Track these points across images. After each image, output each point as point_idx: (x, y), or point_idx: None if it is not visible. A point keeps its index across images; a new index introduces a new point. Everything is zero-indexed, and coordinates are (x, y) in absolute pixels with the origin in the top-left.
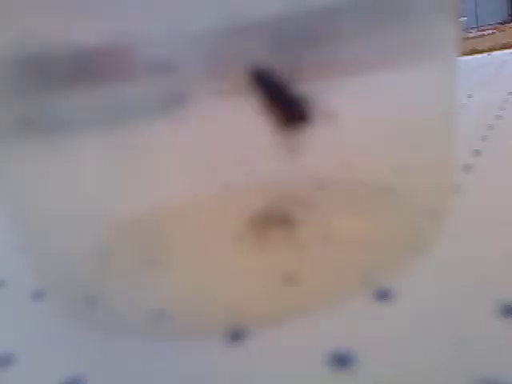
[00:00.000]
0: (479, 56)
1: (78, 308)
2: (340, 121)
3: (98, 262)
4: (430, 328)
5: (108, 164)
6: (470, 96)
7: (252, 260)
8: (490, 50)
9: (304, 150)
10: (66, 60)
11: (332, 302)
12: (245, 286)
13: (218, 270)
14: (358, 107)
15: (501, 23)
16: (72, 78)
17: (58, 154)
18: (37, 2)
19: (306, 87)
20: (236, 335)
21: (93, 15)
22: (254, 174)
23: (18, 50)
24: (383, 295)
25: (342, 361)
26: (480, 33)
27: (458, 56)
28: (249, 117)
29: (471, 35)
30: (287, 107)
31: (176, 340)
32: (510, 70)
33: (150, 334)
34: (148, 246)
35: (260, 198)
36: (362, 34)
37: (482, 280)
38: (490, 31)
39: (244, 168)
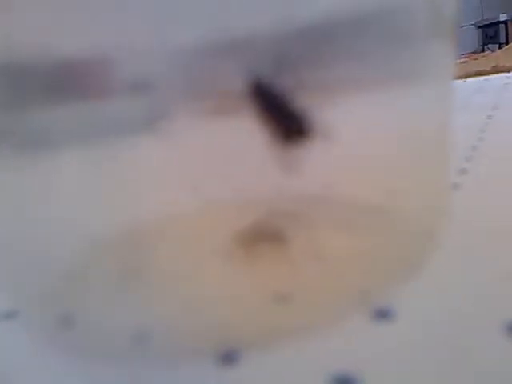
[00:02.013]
0: (455, 82)
1: (52, 329)
2: (334, 139)
3: (76, 280)
4: (432, 347)
5: (86, 179)
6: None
7: (242, 277)
8: (465, 76)
9: (298, 166)
10: (43, 73)
11: (328, 321)
12: (235, 305)
13: (206, 288)
14: (352, 127)
15: (473, 53)
16: (48, 92)
17: (32, 169)
18: (16, 11)
19: (303, 103)
20: (227, 358)
21: (72, 27)
22: (242, 190)
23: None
24: (381, 314)
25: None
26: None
27: (453, 80)
28: (236, 134)
29: None
30: (285, 121)
31: (162, 363)
32: (485, 95)
33: (133, 358)
34: (130, 263)
35: (249, 213)
36: (358, 55)
37: (482, 297)
38: (463, 60)
39: (232, 184)
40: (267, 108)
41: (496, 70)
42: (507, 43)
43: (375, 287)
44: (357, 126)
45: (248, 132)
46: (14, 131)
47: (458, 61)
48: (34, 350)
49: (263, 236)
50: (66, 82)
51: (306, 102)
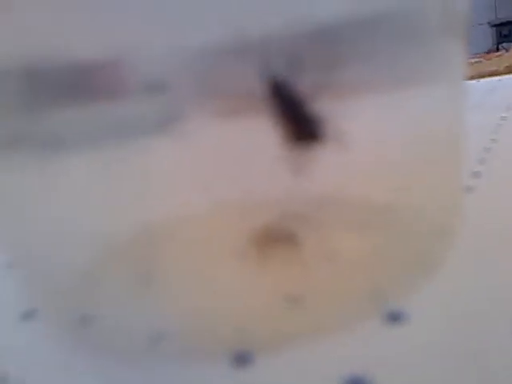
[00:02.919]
0: (467, 83)
1: (70, 329)
2: (347, 141)
3: (91, 281)
4: (446, 350)
5: (101, 180)
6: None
7: (254, 279)
8: (478, 77)
9: (310, 167)
10: (57, 75)
11: (340, 324)
12: (248, 306)
13: (219, 289)
14: (365, 128)
15: (487, 52)
16: (62, 95)
17: (49, 170)
18: (29, 12)
19: (316, 105)
20: (240, 359)
21: (86, 28)
22: (255, 192)
23: (9, 61)
24: (394, 317)
25: None
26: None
27: (465, 80)
28: (249, 135)
29: None
30: (298, 123)
31: (176, 363)
32: (498, 95)
33: (148, 357)
34: (144, 264)
35: (261, 215)
36: (370, 56)
37: (495, 300)
38: (476, 60)
39: (244, 185)
40: (282, 108)
41: (510, 71)
42: None
43: (387, 289)
44: (369, 128)
45: (261, 133)
46: (29, 133)
47: (472, 60)
48: (52, 348)
49: (275, 238)
50: (80, 84)
51: (320, 104)
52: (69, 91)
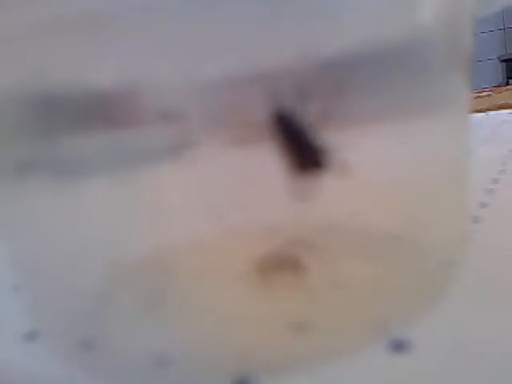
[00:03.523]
0: (478, 115)
1: (74, 351)
2: (352, 170)
3: (98, 304)
4: (450, 380)
5: (112, 206)
6: (471, 152)
7: (259, 305)
8: (488, 110)
9: (315, 195)
10: (75, 102)
11: (343, 351)
12: (252, 332)
13: (224, 315)
14: (370, 158)
15: (496, 86)
16: (79, 122)
17: (62, 194)
18: (48, 38)
19: (322, 135)
20: (243, 383)
21: (104, 57)
22: (261, 219)
23: (26, 88)
24: (398, 345)
25: None
26: (477, 94)
27: (470, 112)
28: (258, 163)
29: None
30: (303, 151)
31: None
32: (508, 128)
33: (152, 382)
34: (152, 288)
35: (267, 241)
36: (376, 87)
37: (501, 330)
38: (486, 93)
39: (251, 212)
40: (287, 137)
41: None
42: None
43: (392, 318)
44: (375, 158)
45: (268, 161)
46: (45, 159)
47: (482, 94)
48: (54, 370)
49: (280, 264)
50: (96, 111)
51: (325, 134)
52: (85, 118)
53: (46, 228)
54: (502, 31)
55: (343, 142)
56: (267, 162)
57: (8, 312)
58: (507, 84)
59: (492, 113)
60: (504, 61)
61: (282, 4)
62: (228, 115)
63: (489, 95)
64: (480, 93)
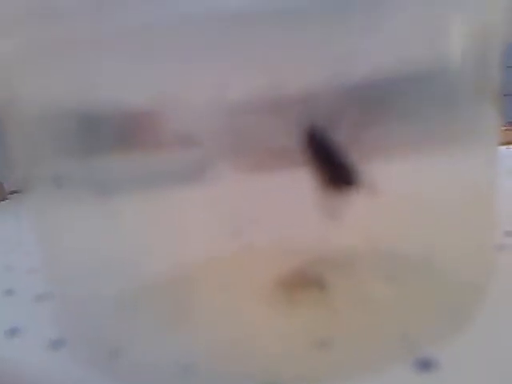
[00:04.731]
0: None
1: (100, 359)
2: (380, 192)
3: (123, 315)
4: None
5: (139, 222)
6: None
7: (283, 321)
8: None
9: (341, 214)
10: (110, 121)
11: (368, 368)
12: (276, 347)
13: (248, 329)
14: (398, 183)
15: None
16: (113, 142)
17: (93, 209)
18: (95, 54)
19: (352, 156)
20: None
21: (137, 78)
22: (287, 238)
23: (71, 103)
24: (423, 364)
25: None
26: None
27: (498, 144)
28: (281, 186)
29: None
30: (334, 169)
31: None
32: None
33: None
34: (175, 301)
35: (292, 260)
36: (405, 114)
37: None
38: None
39: (276, 231)
40: (319, 155)
41: None
42: None
43: (417, 337)
44: (403, 183)
45: (293, 184)
46: (82, 175)
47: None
48: (79, 378)
49: (305, 281)
50: (128, 132)
51: (355, 155)
52: (118, 139)
53: (78, 239)
54: None
55: (371, 166)
56: (290, 185)
57: (35, 320)
58: None
59: None
60: None
61: (309, 28)
62: (250, 142)
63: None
64: (506, 127)
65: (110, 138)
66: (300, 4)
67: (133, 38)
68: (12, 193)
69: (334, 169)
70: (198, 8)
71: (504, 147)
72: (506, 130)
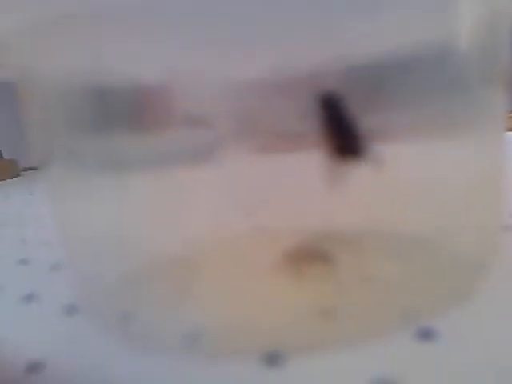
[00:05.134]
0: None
1: (111, 324)
2: (386, 169)
3: (135, 285)
4: (474, 370)
5: (150, 200)
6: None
7: (289, 292)
8: None
9: (347, 186)
10: (122, 98)
11: (371, 336)
12: (281, 315)
13: (255, 299)
14: (406, 165)
15: None
16: (125, 119)
17: (105, 184)
18: (105, 27)
19: (362, 129)
20: (272, 360)
21: (148, 54)
22: (295, 217)
23: (83, 76)
24: (424, 334)
25: None
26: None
27: (504, 129)
28: (289, 167)
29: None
30: (345, 137)
31: (211, 362)
32: None
33: (186, 354)
34: (184, 275)
35: (299, 236)
36: (411, 100)
37: None
38: None
39: (284, 211)
40: (331, 122)
41: None
42: None
43: (419, 309)
44: (410, 166)
45: (300, 166)
46: (95, 150)
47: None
48: (91, 340)
49: (312, 256)
50: (139, 110)
51: (365, 131)
52: (129, 117)
53: (91, 214)
54: None
55: (379, 148)
56: (297, 166)
57: (50, 287)
58: None
59: None
60: None
61: (317, 7)
62: (260, 123)
63: None
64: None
65: (123, 116)
66: None
67: (143, 14)
68: (26, 169)
69: (343, 138)
70: None
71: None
72: None
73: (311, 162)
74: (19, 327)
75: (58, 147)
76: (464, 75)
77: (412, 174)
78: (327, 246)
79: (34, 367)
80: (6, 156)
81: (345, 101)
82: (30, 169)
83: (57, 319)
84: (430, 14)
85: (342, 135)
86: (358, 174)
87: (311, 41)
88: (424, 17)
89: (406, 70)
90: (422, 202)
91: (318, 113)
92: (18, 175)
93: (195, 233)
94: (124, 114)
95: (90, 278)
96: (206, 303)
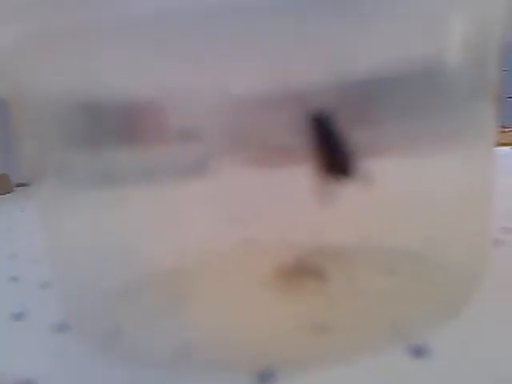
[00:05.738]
0: (503, 149)
1: (101, 341)
2: (377, 184)
3: (125, 300)
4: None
5: (141, 214)
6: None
7: (281, 306)
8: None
9: (335, 200)
10: (113, 114)
11: (362, 352)
12: (273, 330)
13: (246, 313)
14: (396, 179)
15: None
16: (116, 134)
17: (96, 199)
18: (99, 42)
19: (352, 147)
20: (262, 375)
21: (140, 69)
22: (287, 231)
23: (76, 91)
24: (416, 351)
25: None
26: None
27: (494, 144)
28: (281, 181)
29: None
30: (335, 154)
31: (201, 377)
32: None
33: (176, 369)
34: (176, 288)
35: (292, 251)
36: (402, 113)
37: None
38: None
39: (276, 225)
40: (321, 139)
41: None
42: None
43: (411, 325)
44: (400, 180)
45: (292, 180)
46: (85, 164)
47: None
48: (80, 357)
49: (304, 271)
50: (131, 125)
51: (355, 148)
52: (120, 132)
53: (82, 229)
54: None
55: (369, 162)
56: (289, 180)
57: (39, 305)
58: None
59: None
60: None
61: (310, 24)
62: (250, 137)
63: None
64: (505, 128)
65: (115, 130)
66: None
67: (136, 29)
68: (18, 185)
69: (333, 155)
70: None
71: (507, 148)
72: (509, 131)
73: (303, 176)
74: (8, 345)
75: (51, 162)
76: (453, 90)
77: (402, 188)
78: (318, 261)
79: None
80: None
81: (335, 117)
82: (22, 185)
83: (47, 337)
84: (420, 29)
85: (332, 152)
86: (348, 189)
87: (301, 57)
88: (413, 32)
89: (395, 85)
90: (412, 216)
91: (309, 129)
92: (11, 191)
93: (186, 246)
94: (117, 129)
95: (80, 295)
96: (197, 317)
